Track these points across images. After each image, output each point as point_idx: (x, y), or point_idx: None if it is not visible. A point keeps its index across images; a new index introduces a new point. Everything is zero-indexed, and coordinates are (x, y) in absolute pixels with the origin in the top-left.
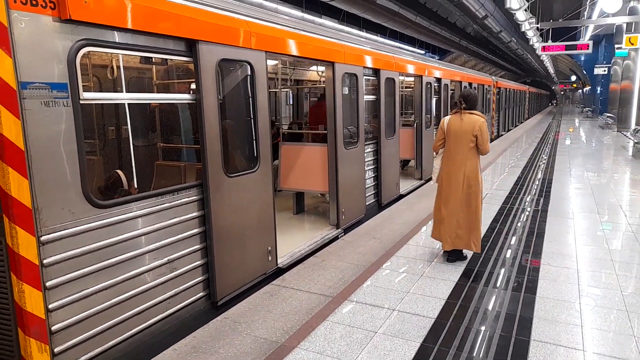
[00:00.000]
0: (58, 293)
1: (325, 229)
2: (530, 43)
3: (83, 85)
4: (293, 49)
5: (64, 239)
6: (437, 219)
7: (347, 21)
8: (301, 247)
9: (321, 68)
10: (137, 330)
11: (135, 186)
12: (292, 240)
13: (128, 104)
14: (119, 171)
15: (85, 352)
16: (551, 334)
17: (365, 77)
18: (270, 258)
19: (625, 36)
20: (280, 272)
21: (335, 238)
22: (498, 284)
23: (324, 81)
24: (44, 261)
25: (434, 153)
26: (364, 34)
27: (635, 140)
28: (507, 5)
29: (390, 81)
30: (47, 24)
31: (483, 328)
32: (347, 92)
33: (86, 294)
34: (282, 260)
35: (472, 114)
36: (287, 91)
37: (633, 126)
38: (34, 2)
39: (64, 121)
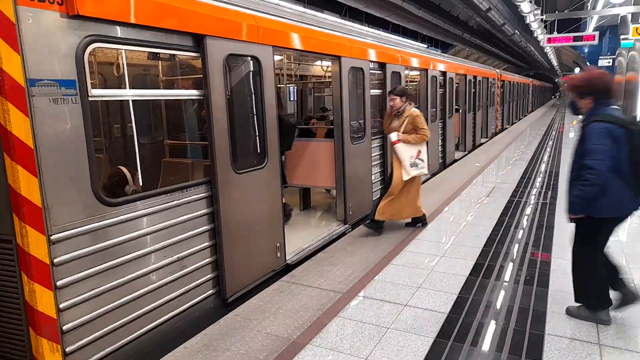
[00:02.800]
0: (69, 292)
1: (333, 224)
2: (535, 35)
3: (91, 82)
4: (300, 43)
5: (74, 238)
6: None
7: (349, 15)
8: (309, 243)
9: (325, 63)
10: (148, 328)
11: (142, 184)
12: (300, 237)
13: (135, 100)
14: (123, 168)
15: (97, 352)
16: (566, 328)
17: (371, 71)
18: (279, 254)
19: (631, 26)
20: (288, 268)
21: (343, 234)
22: (509, 278)
23: (329, 76)
24: (55, 260)
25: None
26: (367, 28)
27: None
28: None
29: (396, 75)
30: (55, 20)
31: (496, 323)
32: (353, 87)
33: (96, 293)
34: (291, 256)
35: None
36: (292, 86)
37: (638, 117)
38: None
39: (73, 118)
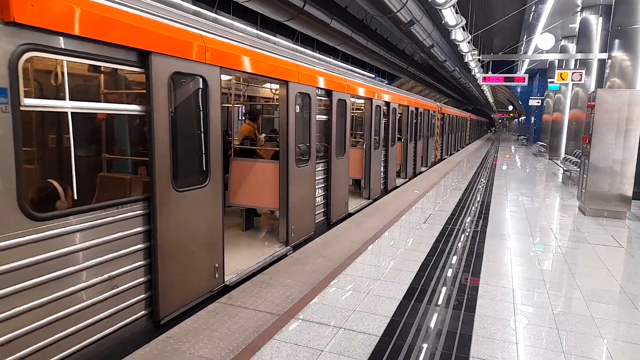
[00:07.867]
0: None
1: (275, 246)
2: (473, 73)
3: (25, 91)
4: (248, 66)
5: None
6: None
7: (301, 41)
8: (249, 265)
9: (275, 85)
10: (72, 350)
11: (76, 198)
12: (241, 257)
13: (72, 113)
14: (53, 181)
15: None
16: (489, 351)
17: (317, 97)
18: (217, 275)
19: (557, 72)
20: (227, 289)
21: (284, 255)
22: (440, 302)
23: (277, 99)
24: None
25: None
26: (317, 54)
27: (565, 168)
28: (452, 37)
29: (342, 102)
30: None
31: (425, 345)
32: (300, 111)
33: (17, 313)
34: (230, 277)
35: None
36: (239, 107)
37: (563, 155)
38: None
39: (1, 128)
